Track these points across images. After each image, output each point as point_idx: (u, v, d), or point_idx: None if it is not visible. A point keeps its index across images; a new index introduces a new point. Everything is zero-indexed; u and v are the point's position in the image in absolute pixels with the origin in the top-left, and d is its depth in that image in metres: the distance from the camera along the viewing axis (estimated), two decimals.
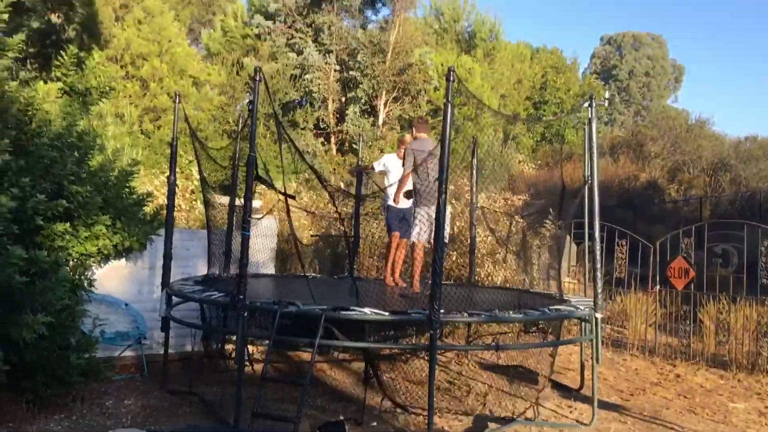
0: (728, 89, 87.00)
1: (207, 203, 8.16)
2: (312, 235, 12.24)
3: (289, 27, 23.34)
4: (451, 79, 5.73)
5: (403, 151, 7.86)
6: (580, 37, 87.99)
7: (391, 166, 8.32)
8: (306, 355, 8.25)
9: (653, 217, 19.07)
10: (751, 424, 6.74)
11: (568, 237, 12.94)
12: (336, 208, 8.12)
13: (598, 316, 6.83)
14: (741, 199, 19.15)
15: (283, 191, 6.47)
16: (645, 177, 22.60)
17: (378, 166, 8.59)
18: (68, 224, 6.51)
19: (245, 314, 5.82)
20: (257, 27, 23.23)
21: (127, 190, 7.51)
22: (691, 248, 10.12)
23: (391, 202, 7.95)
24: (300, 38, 23.24)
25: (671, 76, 55.79)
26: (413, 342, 8.25)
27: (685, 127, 25.64)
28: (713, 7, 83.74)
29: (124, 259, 7.75)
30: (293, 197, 8.47)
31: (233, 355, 7.86)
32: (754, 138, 25.29)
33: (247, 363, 7.03)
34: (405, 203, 7.82)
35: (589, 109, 7.33)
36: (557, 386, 8.12)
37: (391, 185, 8.06)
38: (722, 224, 11.83)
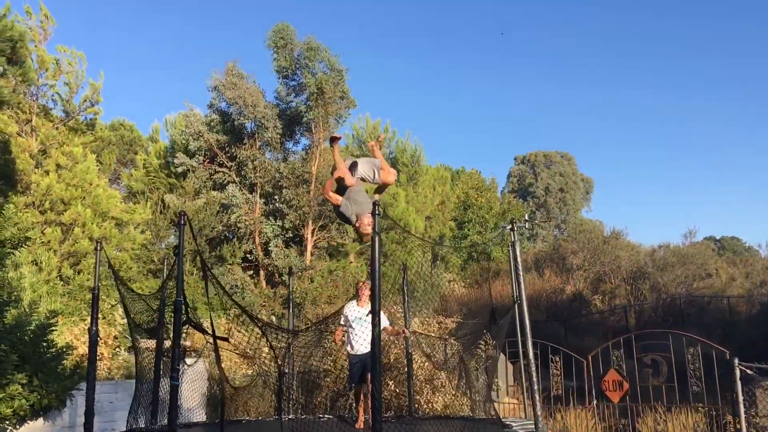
0: (634, 200, 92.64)
1: (137, 351, 7.81)
2: (245, 375, 11.78)
3: (211, 162, 23.61)
4: (377, 213, 5.87)
5: (365, 294, 7.86)
6: (496, 157, 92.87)
7: (351, 315, 8.12)
8: None
9: (582, 328, 19.45)
10: None
11: (503, 356, 12.99)
12: (270, 344, 7.92)
13: None
14: (662, 305, 19.88)
15: (213, 333, 6.29)
16: (570, 289, 23.24)
17: (343, 320, 8.33)
18: None
19: None
20: (180, 165, 23.38)
21: (45, 344, 7.12)
22: (622, 360, 10.34)
23: (351, 350, 7.92)
24: (223, 173, 23.49)
25: (582, 189, 59.06)
26: None
27: (602, 239, 26.81)
28: (614, 125, 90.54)
29: (41, 419, 7.22)
30: (227, 339, 8.25)
31: None
32: (667, 246, 26.67)
33: None
34: (366, 348, 7.71)
35: (512, 232, 7.63)
36: None
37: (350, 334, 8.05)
38: (648, 334, 12.19)
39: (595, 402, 10.46)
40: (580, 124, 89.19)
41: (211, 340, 9.64)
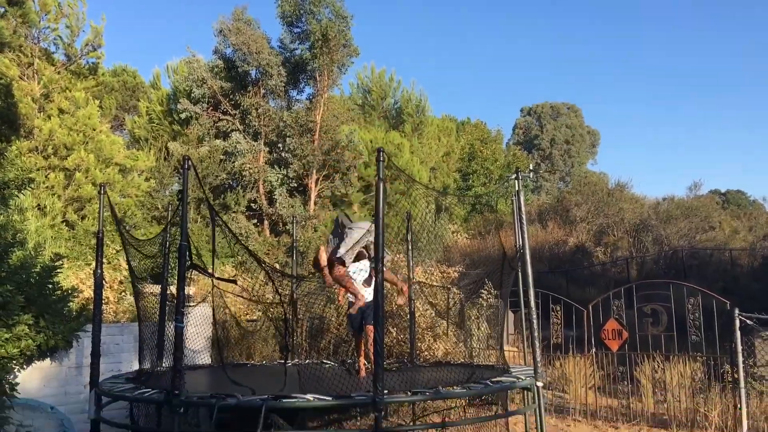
0: (640, 152, 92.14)
1: (137, 294, 7.88)
2: (249, 320, 11.93)
3: (215, 110, 23.42)
4: (381, 159, 5.83)
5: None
6: (502, 108, 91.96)
7: (349, 269, 8.09)
8: None
9: (584, 279, 19.58)
10: None
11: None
12: (276, 288, 8.01)
13: (539, 384, 6.87)
14: (664, 257, 19.94)
15: (220, 276, 6.33)
16: (573, 241, 23.31)
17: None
18: None
19: (181, 411, 5.56)
20: (183, 111, 23.20)
21: (50, 286, 7.16)
22: (622, 309, 10.41)
23: (351, 299, 7.92)
24: (227, 121, 23.33)
25: (588, 141, 58.57)
26: (359, 424, 8.06)
27: (606, 191, 26.76)
28: (620, 76, 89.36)
29: (48, 359, 7.30)
30: (234, 281, 8.32)
31: None
32: (671, 199, 26.64)
33: None
34: (369, 295, 7.69)
35: (516, 181, 7.60)
36: None
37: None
38: (649, 284, 12.24)
39: (594, 350, 10.59)
40: (588, 76, 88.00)
41: (217, 285, 9.77)
